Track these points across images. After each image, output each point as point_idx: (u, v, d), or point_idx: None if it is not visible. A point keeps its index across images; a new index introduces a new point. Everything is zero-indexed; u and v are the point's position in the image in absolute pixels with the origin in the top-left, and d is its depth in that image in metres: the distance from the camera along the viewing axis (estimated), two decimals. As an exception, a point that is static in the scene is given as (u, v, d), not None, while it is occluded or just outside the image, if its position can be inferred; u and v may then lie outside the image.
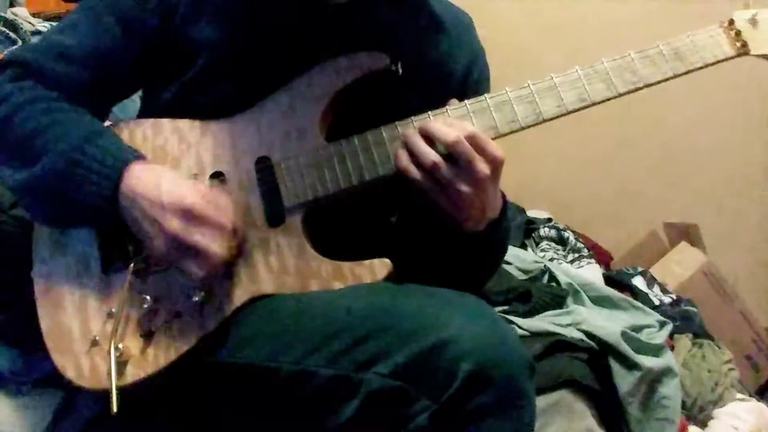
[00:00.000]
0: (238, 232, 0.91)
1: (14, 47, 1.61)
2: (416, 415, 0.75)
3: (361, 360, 0.79)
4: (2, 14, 1.69)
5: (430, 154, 0.86)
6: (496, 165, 0.87)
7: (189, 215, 0.85)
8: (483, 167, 0.85)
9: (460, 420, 0.74)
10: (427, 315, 0.79)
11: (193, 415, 0.97)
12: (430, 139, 0.87)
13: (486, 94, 0.93)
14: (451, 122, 0.89)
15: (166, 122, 0.99)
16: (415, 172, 0.87)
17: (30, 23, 1.75)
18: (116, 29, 0.98)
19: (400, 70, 0.96)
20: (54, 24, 1.77)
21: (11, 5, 1.83)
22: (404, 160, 0.88)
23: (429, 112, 0.92)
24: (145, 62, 1.00)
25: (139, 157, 0.91)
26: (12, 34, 1.65)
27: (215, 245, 0.86)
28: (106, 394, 0.87)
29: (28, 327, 0.98)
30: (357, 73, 0.95)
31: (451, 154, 0.86)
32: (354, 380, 0.79)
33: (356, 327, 0.81)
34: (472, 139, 0.85)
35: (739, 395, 1.80)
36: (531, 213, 2.32)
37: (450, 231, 0.93)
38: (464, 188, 0.86)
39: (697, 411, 1.71)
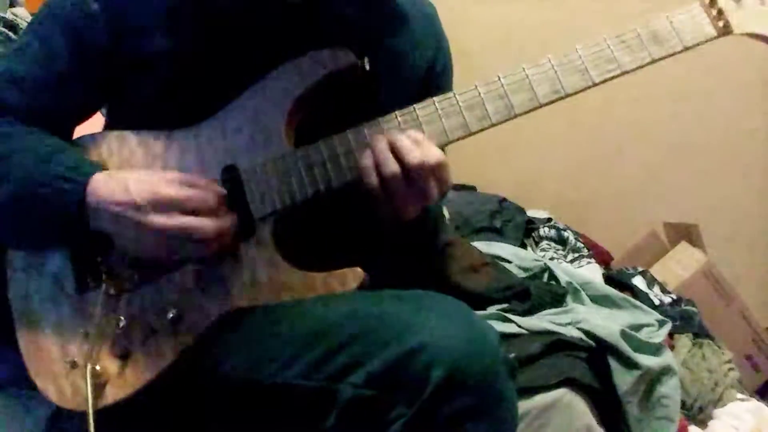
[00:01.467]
0: (225, 205, 0.89)
1: (14, 47, 1.61)
2: (392, 422, 0.75)
3: (335, 370, 0.79)
4: (2, 15, 1.69)
5: (392, 165, 0.85)
6: (444, 190, 0.88)
7: (167, 204, 0.84)
8: (434, 192, 0.86)
9: (436, 426, 0.74)
10: (398, 322, 0.78)
11: (180, 427, 0.96)
12: (395, 152, 0.86)
13: (455, 91, 0.90)
14: (421, 141, 0.87)
15: (130, 134, 0.97)
16: (373, 175, 0.86)
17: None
18: (66, 52, 0.95)
19: (367, 66, 0.93)
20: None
21: (11, 5, 1.83)
22: (368, 161, 0.87)
23: (396, 113, 0.90)
24: (101, 81, 0.98)
25: (98, 169, 0.89)
26: (12, 35, 1.65)
27: (204, 221, 0.85)
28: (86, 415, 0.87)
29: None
30: (321, 73, 0.92)
31: (408, 172, 0.85)
32: (330, 391, 0.79)
33: (330, 336, 0.81)
34: (433, 168, 0.85)
35: (739, 395, 1.79)
36: (531, 213, 2.32)
37: (383, 222, 0.94)
38: (412, 203, 0.87)
39: (697, 411, 1.71)
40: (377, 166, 0.86)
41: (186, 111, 0.95)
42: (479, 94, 0.89)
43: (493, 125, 0.89)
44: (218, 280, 0.90)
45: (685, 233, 2.48)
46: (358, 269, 0.89)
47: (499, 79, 0.89)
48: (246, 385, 0.85)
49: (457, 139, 0.90)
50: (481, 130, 0.89)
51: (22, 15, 1.79)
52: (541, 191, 2.64)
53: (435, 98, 0.90)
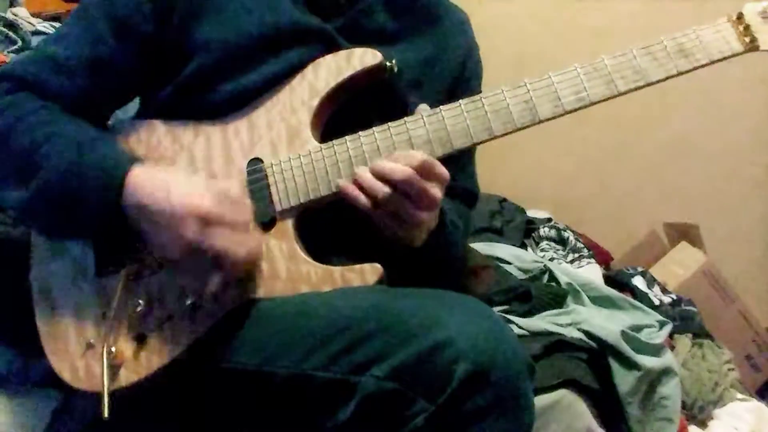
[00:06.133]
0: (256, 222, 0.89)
1: (14, 47, 1.61)
2: (413, 417, 0.75)
3: (358, 362, 0.78)
4: (2, 14, 1.69)
5: (382, 188, 0.85)
6: (444, 184, 0.87)
7: (205, 221, 0.83)
8: (436, 191, 0.86)
9: (457, 422, 0.74)
10: (423, 316, 0.78)
11: (190, 418, 0.97)
12: (380, 178, 0.86)
13: (481, 94, 0.90)
14: (397, 157, 0.87)
15: (159, 123, 0.99)
16: (366, 203, 0.87)
17: (30, 23, 1.75)
18: (110, 37, 0.97)
19: (396, 68, 0.95)
20: (54, 24, 1.77)
21: (11, 5, 1.83)
22: (351, 190, 0.87)
23: (423, 113, 0.91)
24: (141, 68, 0.99)
25: (137, 161, 0.89)
26: (12, 34, 1.64)
27: (234, 246, 0.84)
28: (100, 396, 0.87)
29: (28, 328, 0.99)
30: (349, 71, 0.95)
31: (404, 190, 0.85)
32: (350, 383, 0.78)
33: (352, 329, 0.80)
34: (421, 168, 0.85)
35: (739, 395, 1.80)
36: (531, 213, 2.32)
37: (396, 249, 0.93)
38: (420, 215, 0.87)
39: (697, 411, 1.71)
40: (368, 195, 0.87)
41: (217, 104, 0.96)
42: (505, 98, 0.89)
43: (517, 129, 0.89)
44: None
45: (685, 233, 2.48)
46: (377, 265, 0.89)
47: (526, 84, 0.89)
48: (260, 377, 0.85)
49: (481, 142, 0.91)
50: (506, 134, 0.90)
51: (22, 15, 1.79)
52: (541, 191, 2.64)
53: (462, 100, 0.90)
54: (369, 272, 0.89)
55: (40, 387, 1.10)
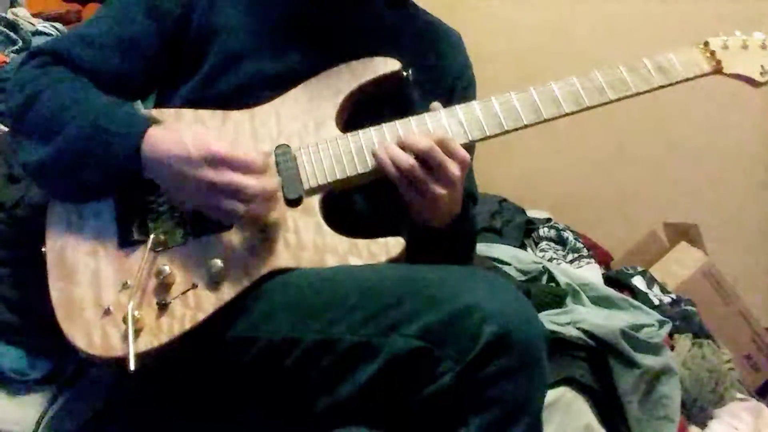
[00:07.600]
0: (268, 167, 0.95)
1: (14, 47, 1.61)
2: (441, 375, 0.78)
3: (387, 325, 0.82)
4: (2, 14, 1.69)
5: (407, 158, 0.93)
6: (465, 166, 0.95)
7: (217, 160, 0.89)
8: (454, 168, 0.93)
9: (482, 381, 0.78)
10: (452, 284, 0.83)
11: (200, 394, 0.97)
12: (404, 148, 0.94)
13: (492, 96, 1.01)
14: (425, 131, 0.97)
15: (187, 111, 1.03)
16: (393, 171, 0.94)
17: (30, 23, 1.75)
18: (140, 17, 1.04)
19: (411, 77, 1.05)
20: (55, 24, 1.78)
21: (11, 5, 1.83)
22: (384, 157, 0.94)
23: (441, 110, 1.00)
24: (166, 50, 1.05)
25: (156, 122, 0.95)
26: (12, 34, 1.65)
27: (251, 180, 0.89)
28: (115, 362, 0.89)
29: (30, 326, 0.99)
30: (370, 76, 1.04)
31: (425, 160, 0.93)
32: (376, 344, 0.82)
33: (383, 294, 0.84)
34: (442, 143, 0.93)
35: (739, 395, 1.80)
36: (531, 213, 2.32)
37: (419, 227, 1.00)
38: (438, 190, 0.93)
39: (697, 411, 1.71)
40: (393, 162, 0.94)
41: (238, 90, 1.03)
42: (513, 100, 1.01)
43: (525, 126, 1.01)
44: (264, 241, 0.95)
45: (685, 233, 2.48)
46: (400, 238, 0.95)
47: (531, 89, 1.02)
48: (284, 345, 0.87)
49: (494, 136, 1.01)
50: (515, 129, 1.01)
51: (23, 15, 1.79)
52: (541, 191, 2.64)
53: (475, 101, 1.01)
54: (393, 244, 0.94)
55: (43, 385, 1.10)
